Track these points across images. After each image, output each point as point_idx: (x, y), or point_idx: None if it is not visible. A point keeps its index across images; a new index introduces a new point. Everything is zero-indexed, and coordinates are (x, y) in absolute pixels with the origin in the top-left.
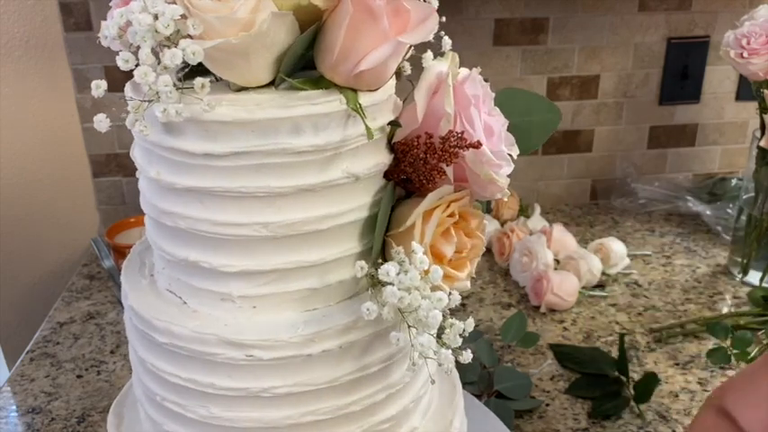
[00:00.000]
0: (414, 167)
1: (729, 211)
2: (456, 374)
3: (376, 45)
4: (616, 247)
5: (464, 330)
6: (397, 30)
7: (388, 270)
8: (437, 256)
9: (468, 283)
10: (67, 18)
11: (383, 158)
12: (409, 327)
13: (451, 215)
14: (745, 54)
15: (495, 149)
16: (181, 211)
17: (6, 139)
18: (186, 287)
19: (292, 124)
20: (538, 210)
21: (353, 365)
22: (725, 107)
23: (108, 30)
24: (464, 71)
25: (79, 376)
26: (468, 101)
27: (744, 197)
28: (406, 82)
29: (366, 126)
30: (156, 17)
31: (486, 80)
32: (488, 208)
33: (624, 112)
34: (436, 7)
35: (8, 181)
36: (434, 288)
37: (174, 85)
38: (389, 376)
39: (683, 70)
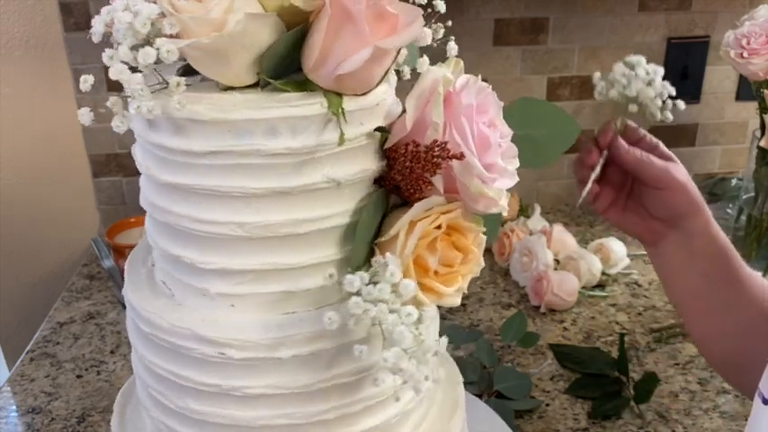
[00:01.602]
0: (402, 175)
1: (729, 211)
2: (461, 390)
3: (355, 49)
4: (616, 247)
5: (436, 352)
6: (381, 34)
7: (353, 280)
8: (422, 268)
9: (458, 299)
10: (67, 18)
11: (370, 165)
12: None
13: (438, 227)
14: (745, 54)
15: (490, 162)
16: (166, 206)
17: (6, 139)
18: (174, 281)
19: (268, 126)
20: (538, 210)
21: (324, 374)
22: (725, 107)
23: (96, 26)
24: (462, 79)
25: (79, 376)
26: (460, 110)
27: (744, 197)
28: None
29: (341, 132)
30: (135, 16)
31: (485, 81)
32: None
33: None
34: (442, 11)
35: (8, 181)
36: (416, 302)
37: (161, 82)
38: (365, 389)
39: (683, 70)
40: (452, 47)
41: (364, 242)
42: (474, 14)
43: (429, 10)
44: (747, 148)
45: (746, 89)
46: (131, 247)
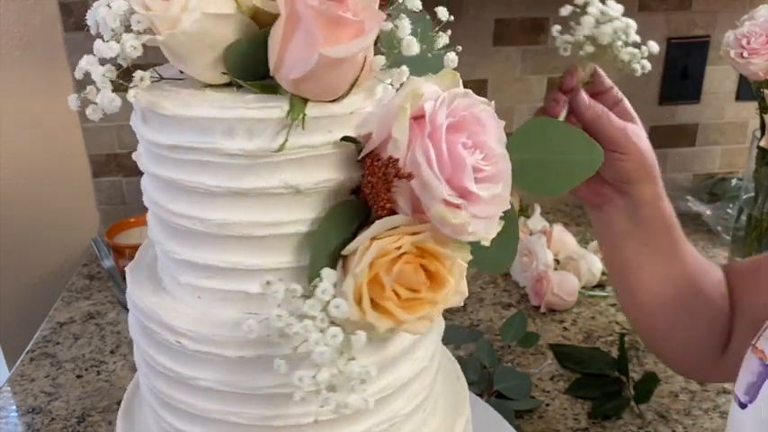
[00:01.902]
0: (367, 189)
1: (729, 211)
2: (468, 412)
3: (306, 54)
4: None
5: (363, 381)
6: (340, 41)
7: (276, 291)
8: (381, 289)
9: (422, 328)
10: (67, 18)
11: (338, 174)
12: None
13: (399, 247)
14: (746, 54)
15: (460, 186)
16: (149, 192)
17: (6, 139)
18: (163, 266)
19: (227, 126)
20: (538, 210)
21: (271, 381)
22: (725, 107)
23: (89, 20)
24: (438, 93)
25: (79, 376)
26: (428, 127)
27: (744, 197)
28: None
29: (286, 138)
30: (109, 11)
31: (485, 83)
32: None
33: None
34: (444, 18)
35: (8, 181)
36: (367, 325)
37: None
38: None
39: (683, 70)
40: (451, 58)
41: (322, 253)
42: (474, 14)
43: (427, 17)
44: (747, 148)
45: (746, 89)
46: (131, 247)
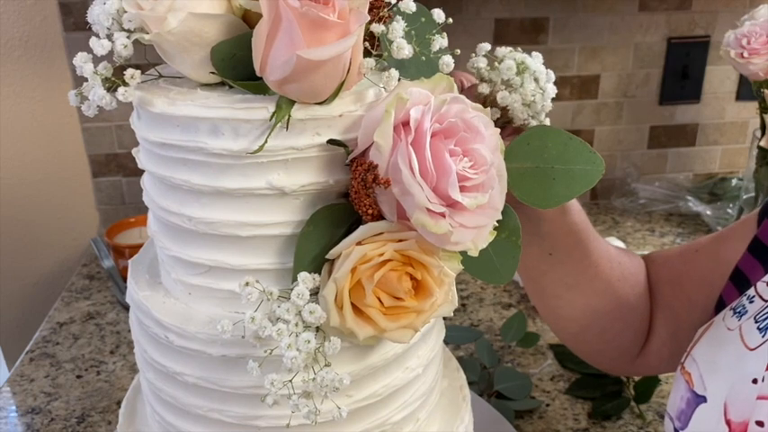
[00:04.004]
0: (352, 192)
1: (729, 211)
2: (469, 415)
3: (286, 56)
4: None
5: (335, 388)
6: (324, 43)
7: (250, 293)
8: (363, 292)
9: (407, 337)
10: (67, 18)
11: (325, 178)
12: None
13: (381, 254)
14: (746, 54)
15: (445, 193)
16: (147, 189)
17: (6, 139)
18: (160, 260)
19: (211, 125)
20: None
21: (252, 381)
22: (725, 107)
23: (88, 17)
24: (423, 98)
25: (79, 376)
26: (411, 133)
27: (744, 197)
28: None
29: (266, 140)
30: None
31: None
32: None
33: (624, 112)
34: (440, 20)
35: (8, 181)
36: (347, 332)
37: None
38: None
39: (683, 70)
40: (446, 62)
41: (306, 256)
42: (474, 14)
43: (423, 19)
44: (747, 148)
45: (747, 89)
46: (131, 247)
